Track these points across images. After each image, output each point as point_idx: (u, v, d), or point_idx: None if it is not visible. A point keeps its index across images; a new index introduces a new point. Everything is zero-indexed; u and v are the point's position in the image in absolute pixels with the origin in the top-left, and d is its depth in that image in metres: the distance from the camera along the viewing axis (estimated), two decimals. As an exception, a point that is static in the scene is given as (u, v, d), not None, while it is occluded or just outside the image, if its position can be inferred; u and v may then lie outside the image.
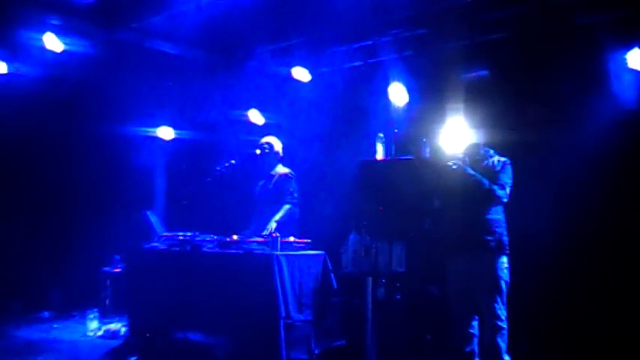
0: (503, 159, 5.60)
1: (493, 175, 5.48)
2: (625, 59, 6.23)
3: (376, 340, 5.99)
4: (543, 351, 6.27)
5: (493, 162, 5.58)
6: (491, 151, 5.68)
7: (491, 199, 5.44)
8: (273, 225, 6.68)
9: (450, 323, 5.73)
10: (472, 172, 5.45)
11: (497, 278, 5.41)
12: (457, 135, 5.56)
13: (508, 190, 5.46)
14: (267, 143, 7.28)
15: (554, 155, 6.54)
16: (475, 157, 5.60)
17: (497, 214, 5.50)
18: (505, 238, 5.48)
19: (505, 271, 5.45)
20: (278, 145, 7.32)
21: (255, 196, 7.43)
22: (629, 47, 6.20)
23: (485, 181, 5.40)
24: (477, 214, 5.46)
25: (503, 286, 5.43)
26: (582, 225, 6.41)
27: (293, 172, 7.23)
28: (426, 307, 6.81)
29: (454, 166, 5.47)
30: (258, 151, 7.26)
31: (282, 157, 7.34)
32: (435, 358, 6.51)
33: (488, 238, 5.42)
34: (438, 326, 6.62)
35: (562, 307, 6.45)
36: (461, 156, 5.55)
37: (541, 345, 6.27)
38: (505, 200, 5.46)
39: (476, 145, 5.62)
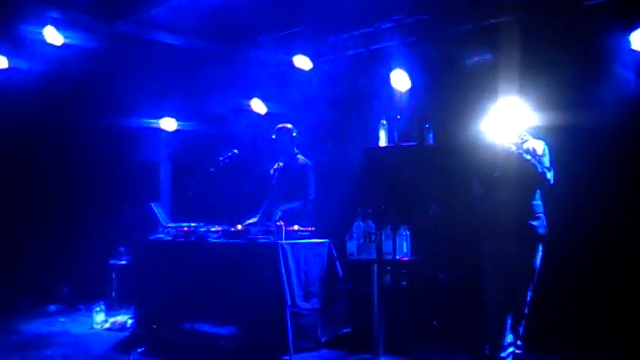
0: (540, 142, 5.45)
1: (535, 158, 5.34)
2: (629, 40, 6.17)
3: (383, 327, 5.98)
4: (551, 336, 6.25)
5: (533, 146, 5.42)
6: (526, 135, 5.53)
7: (541, 183, 5.33)
8: (279, 213, 6.70)
9: (485, 310, 5.56)
10: (527, 155, 5.28)
11: (533, 266, 5.36)
12: (500, 118, 5.36)
13: (552, 172, 5.35)
14: (283, 128, 7.29)
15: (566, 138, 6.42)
16: (513, 140, 5.41)
17: (538, 200, 5.41)
18: (545, 224, 5.39)
19: (539, 259, 5.38)
20: (293, 131, 7.32)
21: (271, 179, 7.42)
22: (633, 28, 6.12)
23: (539, 166, 5.26)
24: (525, 199, 5.35)
25: (536, 273, 5.39)
26: (602, 210, 6.29)
27: (311, 164, 7.21)
28: (432, 294, 6.79)
29: (512, 149, 5.29)
30: (273, 136, 7.28)
31: (297, 143, 7.35)
32: (441, 344, 6.49)
33: (534, 223, 5.33)
34: (445, 313, 6.62)
35: (581, 294, 6.38)
36: (511, 140, 5.35)
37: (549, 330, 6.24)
38: (551, 183, 5.34)
39: (514, 129, 5.43)
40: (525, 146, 5.42)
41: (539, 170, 5.26)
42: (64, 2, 7.37)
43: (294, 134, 7.28)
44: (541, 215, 5.38)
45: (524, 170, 5.28)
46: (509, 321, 5.40)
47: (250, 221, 6.85)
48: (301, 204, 6.97)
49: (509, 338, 5.41)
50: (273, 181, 7.38)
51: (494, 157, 5.41)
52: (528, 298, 5.39)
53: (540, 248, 5.38)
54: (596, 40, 6.35)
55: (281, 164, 7.37)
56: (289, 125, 7.32)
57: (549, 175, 5.30)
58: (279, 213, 6.69)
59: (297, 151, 7.28)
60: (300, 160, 7.23)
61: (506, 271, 5.39)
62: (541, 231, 5.33)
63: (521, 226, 5.31)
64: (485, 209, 5.57)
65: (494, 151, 5.41)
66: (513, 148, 5.31)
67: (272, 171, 7.43)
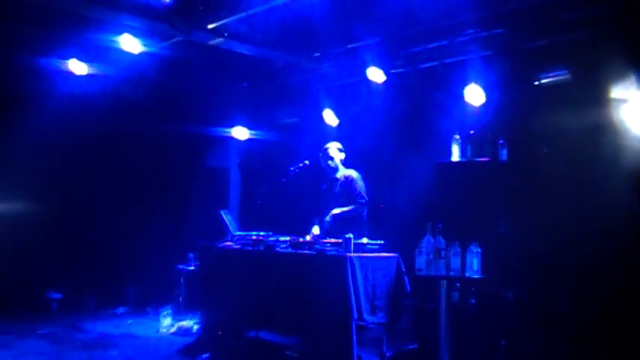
0: None
1: None
2: None
3: (449, 345, 5.89)
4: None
5: None
6: None
7: None
8: (328, 217, 6.94)
9: None
10: None
11: None
12: None
13: None
14: (326, 149, 7.49)
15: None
16: None
17: None
18: None
19: None
20: (338, 150, 7.48)
21: (320, 200, 7.56)
22: None
23: None
24: None
25: None
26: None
27: (357, 172, 7.35)
28: (500, 313, 6.65)
29: None
30: (320, 154, 7.50)
31: (344, 161, 7.50)
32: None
33: None
34: (513, 332, 6.48)
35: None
36: None
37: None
38: None
39: None
40: None
41: None
42: (142, 11, 7.49)
43: (339, 154, 7.45)
44: None
45: None
46: None
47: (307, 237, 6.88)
48: (353, 208, 7.11)
49: None
50: (321, 201, 7.52)
51: None
52: None
53: None
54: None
55: (327, 185, 7.56)
56: (333, 144, 7.51)
57: None
58: (329, 218, 6.94)
59: (341, 167, 7.46)
60: (342, 172, 7.41)
61: None
62: None
63: None
64: None
65: None
66: None
67: (321, 192, 7.63)
